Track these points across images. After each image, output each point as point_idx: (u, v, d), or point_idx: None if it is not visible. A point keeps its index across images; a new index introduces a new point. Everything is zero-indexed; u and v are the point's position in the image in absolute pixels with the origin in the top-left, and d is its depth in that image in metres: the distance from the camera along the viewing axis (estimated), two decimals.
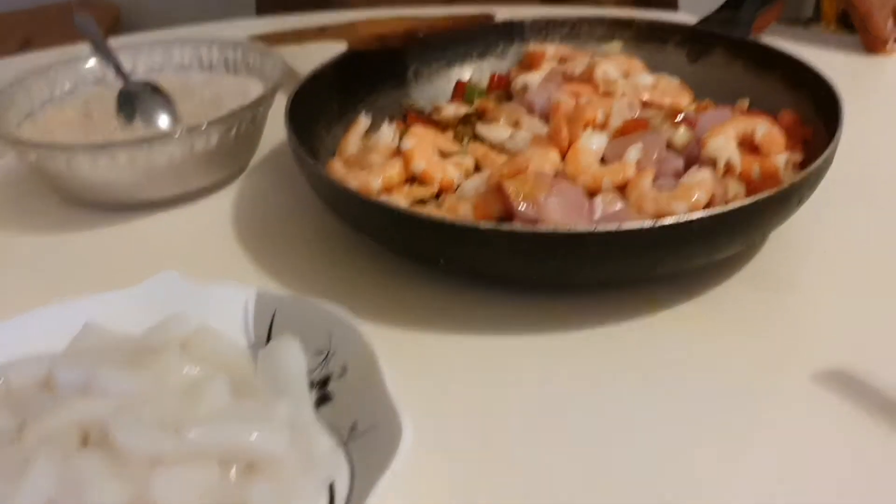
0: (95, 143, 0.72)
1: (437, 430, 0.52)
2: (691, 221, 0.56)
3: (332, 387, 0.52)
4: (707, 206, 0.64)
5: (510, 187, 0.62)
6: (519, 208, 0.62)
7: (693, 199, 0.63)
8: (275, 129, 0.82)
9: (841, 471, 0.50)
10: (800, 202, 0.63)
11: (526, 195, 0.62)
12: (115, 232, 0.74)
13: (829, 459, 0.51)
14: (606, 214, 0.63)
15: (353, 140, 0.74)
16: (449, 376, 0.58)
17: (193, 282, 0.58)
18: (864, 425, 0.52)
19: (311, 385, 0.52)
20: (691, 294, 0.64)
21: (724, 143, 0.68)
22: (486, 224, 0.59)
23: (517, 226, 0.60)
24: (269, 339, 0.55)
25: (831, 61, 0.99)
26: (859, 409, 0.53)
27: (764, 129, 0.69)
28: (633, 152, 0.68)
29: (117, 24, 2.05)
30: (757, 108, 0.80)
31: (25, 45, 1.85)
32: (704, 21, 0.94)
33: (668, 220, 0.56)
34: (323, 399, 0.52)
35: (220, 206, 0.77)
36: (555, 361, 0.59)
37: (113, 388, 0.49)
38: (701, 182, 0.65)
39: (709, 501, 0.49)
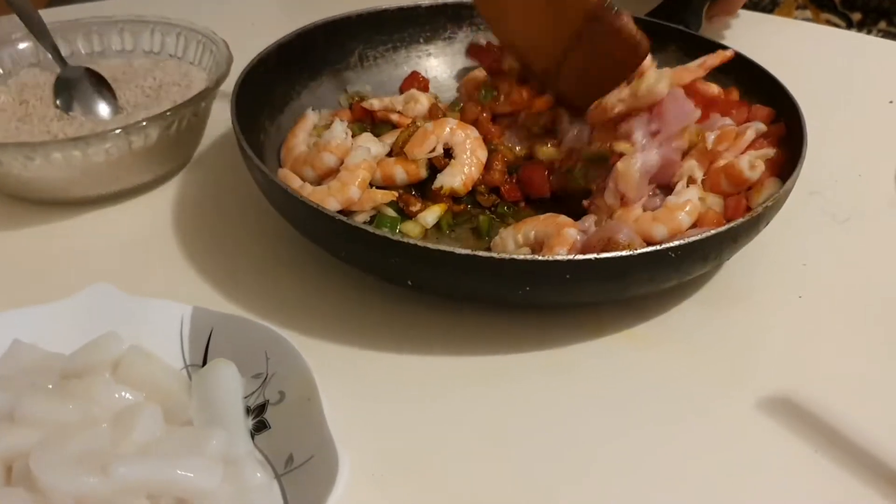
0: (28, 142, 0.69)
1: (375, 453, 0.52)
2: (670, 248, 0.56)
3: (269, 414, 0.51)
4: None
5: None
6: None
7: (682, 218, 0.63)
8: (218, 120, 0.80)
9: (776, 495, 0.51)
10: (767, 222, 0.63)
11: None
12: (51, 230, 0.71)
13: (765, 484, 0.51)
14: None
15: (301, 137, 0.72)
16: (389, 396, 0.57)
17: (128, 295, 0.56)
18: (805, 452, 0.53)
19: (248, 411, 0.51)
20: (640, 315, 0.63)
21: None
22: (461, 251, 0.55)
23: (503, 255, 0.58)
24: (205, 358, 0.54)
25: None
26: (799, 436, 0.54)
27: (712, 136, 0.68)
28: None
29: None
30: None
31: None
32: (656, 11, 0.91)
33: (648, 249, 0.56)
34: (259, 426, 0.50)
35: (161, 203, 0.74)
36: (498, 383, 0.58)
37: (39, 417, 0.47)
38: (690, 200, 0.64)
39: None
